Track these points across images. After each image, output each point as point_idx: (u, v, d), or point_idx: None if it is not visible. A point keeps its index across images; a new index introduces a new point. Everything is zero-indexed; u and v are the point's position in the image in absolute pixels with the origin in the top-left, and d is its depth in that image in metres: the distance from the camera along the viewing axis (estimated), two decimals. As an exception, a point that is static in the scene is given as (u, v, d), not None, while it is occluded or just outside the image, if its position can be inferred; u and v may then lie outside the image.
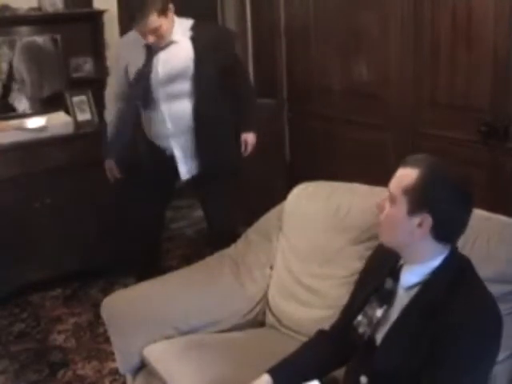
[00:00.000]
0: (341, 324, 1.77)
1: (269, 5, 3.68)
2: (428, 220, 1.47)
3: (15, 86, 3.63)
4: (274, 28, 3.66)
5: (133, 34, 2.84)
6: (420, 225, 1.48)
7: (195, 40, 2.80)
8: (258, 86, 4.05)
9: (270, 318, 2.31)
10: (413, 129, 2.97)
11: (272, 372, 1.70)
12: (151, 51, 2.79)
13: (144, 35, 2.69)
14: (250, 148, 3.02)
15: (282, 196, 2.47)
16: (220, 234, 3.02)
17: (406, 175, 1.50)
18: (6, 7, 3.43)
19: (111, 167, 3.11)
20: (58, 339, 3.09)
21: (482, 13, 2.55)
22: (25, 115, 3.62)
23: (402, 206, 1.49)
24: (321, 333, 1.81)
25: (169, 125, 2.84)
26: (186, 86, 2.81)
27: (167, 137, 2.88)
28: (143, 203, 3.07)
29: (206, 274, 2.36)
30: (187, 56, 2.78)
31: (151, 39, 2.69)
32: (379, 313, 1.57)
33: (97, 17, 3.66)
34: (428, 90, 2.86)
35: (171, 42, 2.78)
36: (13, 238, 3.32)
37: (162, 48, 2.78)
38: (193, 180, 3.00)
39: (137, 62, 2.80)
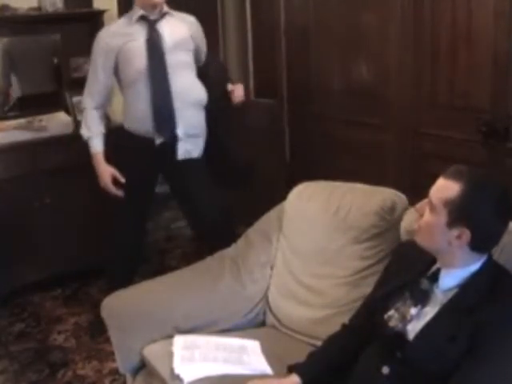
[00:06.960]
0: (362, 316, 1.81)
1: (269, 5, 3.68)
2: (466, 233, 1.52)
3: (15, 85, 3.63)
4: (274, 28, 3.65)
5: (111, 26, 2.87)
6: (458, 237, 1.53)
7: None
8: (258, 85, 4.06)
9: (270, 318, 2.31)
10: (413, 129, 2.97)
11: (299, 370, 1.74)
12: (150, 22, 2.79)
13: None
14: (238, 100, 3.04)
15: (282, 196, 2.47)
16: (212, 232, 3.02)
17: (448, 187, 1.53)
18: (6, 7, 3.43)
19: (114, 173, 2.91)
20: (58, 339, 3.09)
21: (482, 13, 2.56)
22: (24, 115, 3.62)
23: (442, 216, 1.53)
24: (343, 327, 1.85)
25: (177, 98, 2.77)
26: (189, 56, 2.85)
27: (173, 111, 2.77)
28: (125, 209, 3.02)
29: (206, 274, 2.35)
30: (185, 28, 2.86)
31: None
32: (413, 311, 1.61)
33: (97, 17, 3.66)
34: (428, 90, 2.86)
35: (167, 13, 2.82)
36: (13, 238, 3.31)
37: (160, 18, 2.80)
38: (172, 175, 2.96)
39: (138, 36, 2.76)
